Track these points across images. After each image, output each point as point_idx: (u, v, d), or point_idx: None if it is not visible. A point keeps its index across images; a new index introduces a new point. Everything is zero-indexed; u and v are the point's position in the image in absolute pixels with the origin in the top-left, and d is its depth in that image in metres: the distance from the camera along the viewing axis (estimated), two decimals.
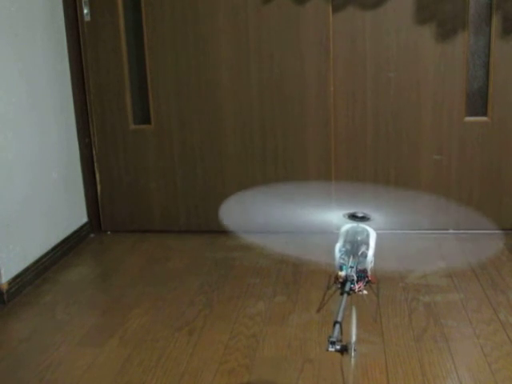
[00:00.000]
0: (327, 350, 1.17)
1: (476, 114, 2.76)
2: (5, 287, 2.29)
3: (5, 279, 2.29)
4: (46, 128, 2.64)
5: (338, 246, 1.33)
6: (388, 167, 2.83)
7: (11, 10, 2.36)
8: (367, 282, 1.31)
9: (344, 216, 1.38)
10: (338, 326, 1.18)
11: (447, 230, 2.87)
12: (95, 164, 2.98)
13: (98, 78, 2.87)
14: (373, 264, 1.33)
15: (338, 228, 1.37)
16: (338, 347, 1.17)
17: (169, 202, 2.97)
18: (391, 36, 2.70)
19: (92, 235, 3.03)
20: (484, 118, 2.75)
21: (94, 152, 2.96)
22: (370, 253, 1.31)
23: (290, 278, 2.42)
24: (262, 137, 2.85)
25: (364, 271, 1.31)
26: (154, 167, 2.95)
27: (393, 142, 2.80)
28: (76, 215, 2.91)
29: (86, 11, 2.80)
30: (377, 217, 1.38)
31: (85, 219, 2.99)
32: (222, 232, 2.91)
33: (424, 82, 2.73)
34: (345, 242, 1.34)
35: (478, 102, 2.76)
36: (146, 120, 2.92)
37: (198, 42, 2.78)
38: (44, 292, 2.40)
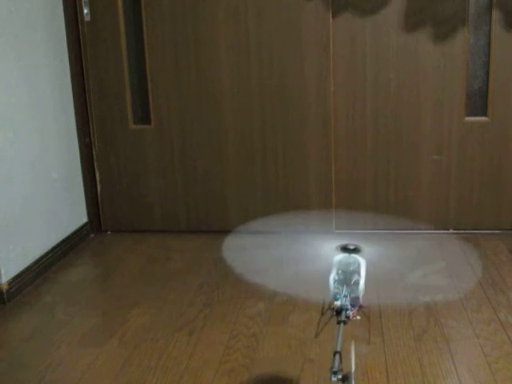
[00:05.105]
0: (330, 380, 1.19)
1: (476, 114, 2.76)
2: (5, 287, 2.29)
3: (5, 279, 2.29)
4: (46, 128, 2.64)
5: (332, 275, 1.41)
6: (388, 167, 2.83)
7: (11, 10, 2.36)
8: (360, 308, 1.38)
9: (337, 248, 1.47)
10: (337, 356, 1.23)
11: (447, 230, 2.87)
12: (95, 164, 2.98)
13: (98, 78, 2.87)
14: (363, 292, 1.40)
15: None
16: (339, 377, 1.20)
17: (169, 202, 2.97)
18: (391, 36, 2.70)
19: (92, 235, 3.02)
20: (484, 118, 2.75)
21: (94, 152, 2.96)
22: (362, 281, 1.39)
23: (290, 278, 2.42)
24: (262, 137, 2.85)
25: (356, 298, 1.38)
26: (154, 167, 2.94)
27: (393, 142, 2.80)
28: (76, 215, 2.91)
29: (86, 11, 2.80)
30: (366, 248, 1.47)
31: (85, 219, 2.99)
32: (222, 232, 2.91)
33: (424, 82, 2.73)
34: (338, 271, 1.42)
35: (478, 102, 2.76)
36: (146, 120, 2.92)
37: (198, 42, 2.78)
38: (44, 292, 2.40)
